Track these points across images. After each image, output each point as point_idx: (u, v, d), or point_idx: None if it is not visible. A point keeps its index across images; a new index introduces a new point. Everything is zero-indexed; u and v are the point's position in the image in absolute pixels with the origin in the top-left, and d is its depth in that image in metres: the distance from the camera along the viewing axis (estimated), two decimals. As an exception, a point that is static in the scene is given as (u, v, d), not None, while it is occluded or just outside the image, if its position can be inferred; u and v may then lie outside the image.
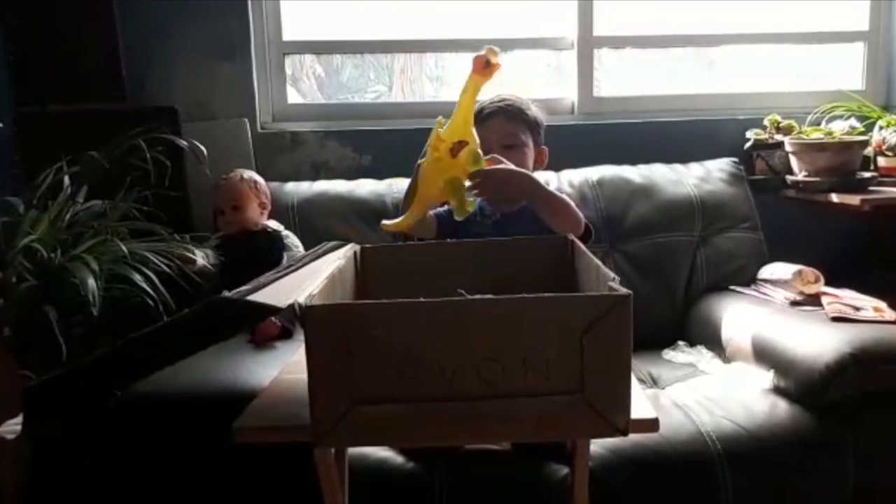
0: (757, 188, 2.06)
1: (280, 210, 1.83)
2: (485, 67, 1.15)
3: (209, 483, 1.30)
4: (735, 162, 2.06)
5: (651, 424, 0.83)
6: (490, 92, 1.73)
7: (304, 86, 2.30)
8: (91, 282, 1.29)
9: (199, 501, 1.31)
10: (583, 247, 1.09)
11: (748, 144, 2.15)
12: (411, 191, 1.27)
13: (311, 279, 0.93)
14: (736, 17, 2.29)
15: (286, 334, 1.53)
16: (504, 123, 1.48)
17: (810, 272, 1.69)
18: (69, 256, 1.37)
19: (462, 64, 2.35)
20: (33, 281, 1.35)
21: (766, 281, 1.82)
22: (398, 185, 1.94)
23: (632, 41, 2.31)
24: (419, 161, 1.24)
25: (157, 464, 1.31)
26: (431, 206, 1.30)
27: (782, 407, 1.40)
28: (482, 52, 1.15)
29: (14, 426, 1.32)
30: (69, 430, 1.30)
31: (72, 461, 1.32)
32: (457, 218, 1.22)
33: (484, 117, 1.56)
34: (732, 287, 1.87)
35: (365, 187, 1.95)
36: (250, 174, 1.77)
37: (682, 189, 1.95)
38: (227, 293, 0.85)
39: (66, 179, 1.53)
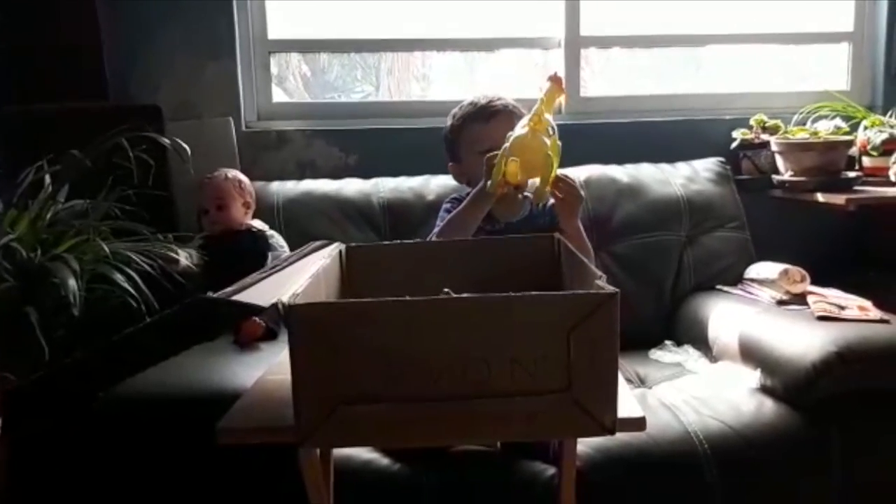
0: (743, 188, 2.06)
1: (265, 209, 1.82)
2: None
3: (194, 484, 1.28)
4: (722, 162, 2.07)
5: (638, 423, 0.83)
6: (474, 91, 1.75)
7: (290, 85, 2.28)
8: (72, 282, 1.27)
9: (184, 502, 1.30)
10: (570, 246, 1.09)
11: (734, 144, 2.16)
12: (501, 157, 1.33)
13: (295, 278, 0.92)
14: (722, 18, 2.30)
15: (271, 335, 1.52)
16: (511, 122, 1.49)
17: (796, 271, 1.70)
18: (50, 256, 1.35)
19: (449, 63, 2.35)
20: (13, 281, 1.33)
21: (752, 280, 1.82)
22: (384, 185, 1.94)
23: (619, 41, 2.31)
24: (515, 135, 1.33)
25: (141, 465, 1.29)
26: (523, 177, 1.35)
27: (769, 406, 1.40)
28: (556, 72, 1.43)
29: (-7, 429, 1.30)
30: (51, 431, 1.28)
31: (55, 462, 1.30)
32: (538, 202, 1.43)
33: (489, 115, 1.59)
34: (719, 286, 1.87)
35: (351, 187, 1.94)
36: (235, 173, 1.76)
37: (669, 189, 1.95)
38: (210, 294, 0.84)
39: (48, 178, 1.51)
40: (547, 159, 1.29)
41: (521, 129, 1.33)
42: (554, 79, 1.40)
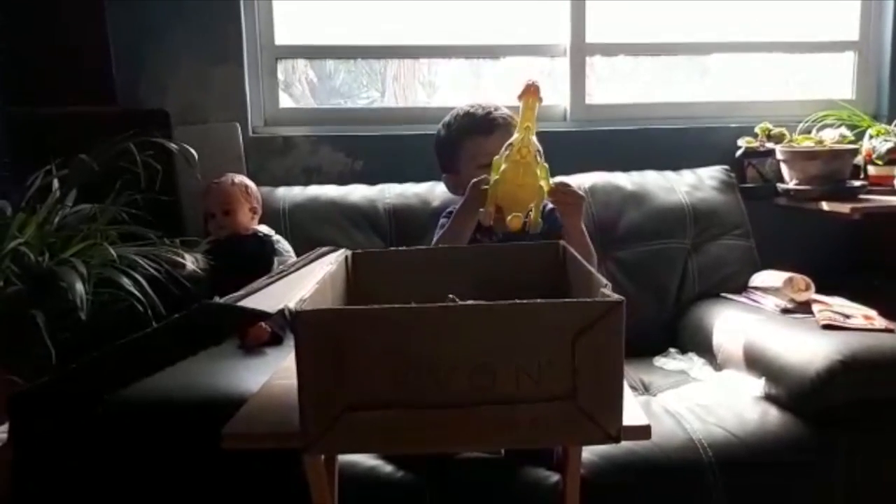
0: (748, 196, 2.06)
1: (271, 215, 1.82)
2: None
3: (199, 488, 1.29)
4: (727, 169, 2.07)
5: (643, 431, 0.83)
6: (469, 98, 1.75)
7: (297, 91, 2.29)
8: (79, 286, 1.27)
9: (188, 507, 1.30)
10: (575, 253, 1.09)
11: (740, 152, 2.16)
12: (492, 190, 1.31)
13: (301, 284, 0.93)
14: (728, 26, 2.30)
15: (276, 340, 1.52)
16: (509, 137, 1.47)
17: (801, 279, 1.69)
18: (57, 260, 1.36)
19: (455, 70, 2.35)
20: (20, 285, 1.34)
21: (757, 288, 1.82)
22: (390, 191, 1.94)
23: (624, 48, 2.31)
24: (500, 160, 1.31)
25: (146, 469, 1.30)
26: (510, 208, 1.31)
27: (773, 414, 1.40)
28: (534, 81, 1.36)
29: (1, 433, 1.30)
30: (58, 434, 1.28)
31: (60, 466, 1.30)
32: (530, 229, 1.29)
33: (492, 127, 1.57)
34: (724, 294, 1.87)
35: (357, 192, 1.94)
36: (241, 178, 1.76)
37: (674, 196, 1.95)
38: (217, 299, 0.85)
39: (56, 182, 1.52)
40: (539, 191, 1.29)
41: (507, 159, 1.29)
42: (531, 90, 1.34)
